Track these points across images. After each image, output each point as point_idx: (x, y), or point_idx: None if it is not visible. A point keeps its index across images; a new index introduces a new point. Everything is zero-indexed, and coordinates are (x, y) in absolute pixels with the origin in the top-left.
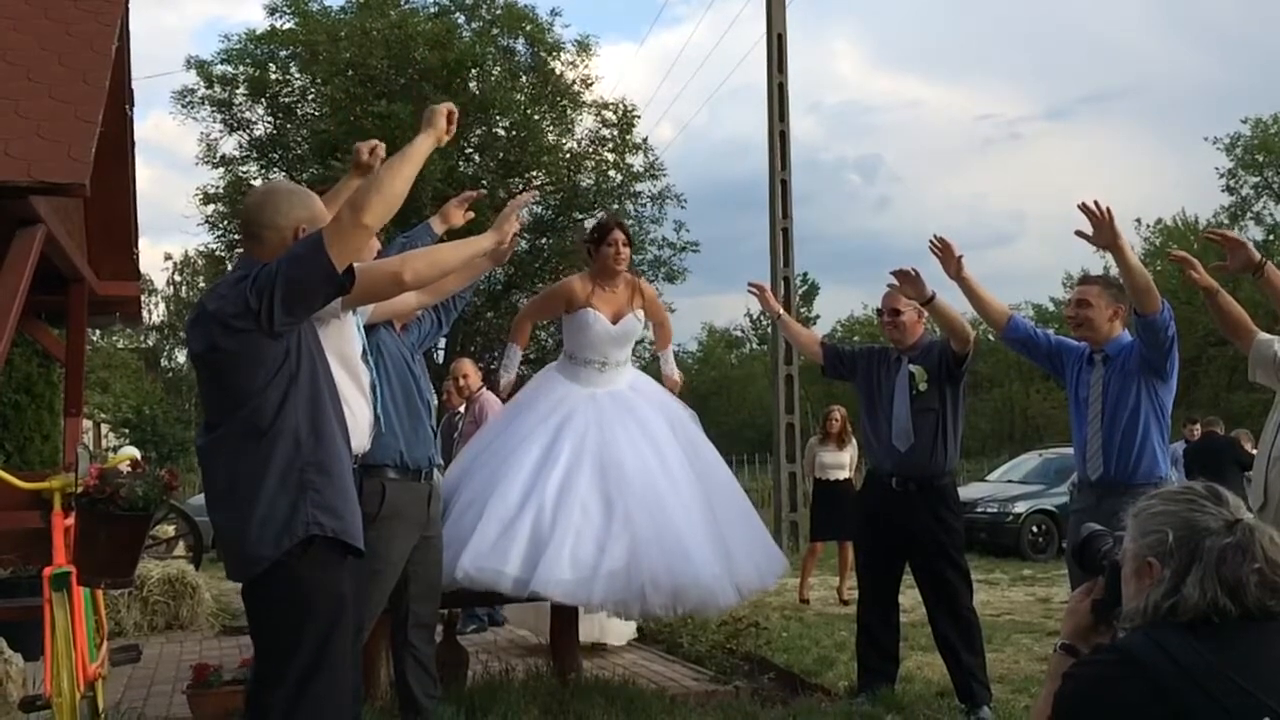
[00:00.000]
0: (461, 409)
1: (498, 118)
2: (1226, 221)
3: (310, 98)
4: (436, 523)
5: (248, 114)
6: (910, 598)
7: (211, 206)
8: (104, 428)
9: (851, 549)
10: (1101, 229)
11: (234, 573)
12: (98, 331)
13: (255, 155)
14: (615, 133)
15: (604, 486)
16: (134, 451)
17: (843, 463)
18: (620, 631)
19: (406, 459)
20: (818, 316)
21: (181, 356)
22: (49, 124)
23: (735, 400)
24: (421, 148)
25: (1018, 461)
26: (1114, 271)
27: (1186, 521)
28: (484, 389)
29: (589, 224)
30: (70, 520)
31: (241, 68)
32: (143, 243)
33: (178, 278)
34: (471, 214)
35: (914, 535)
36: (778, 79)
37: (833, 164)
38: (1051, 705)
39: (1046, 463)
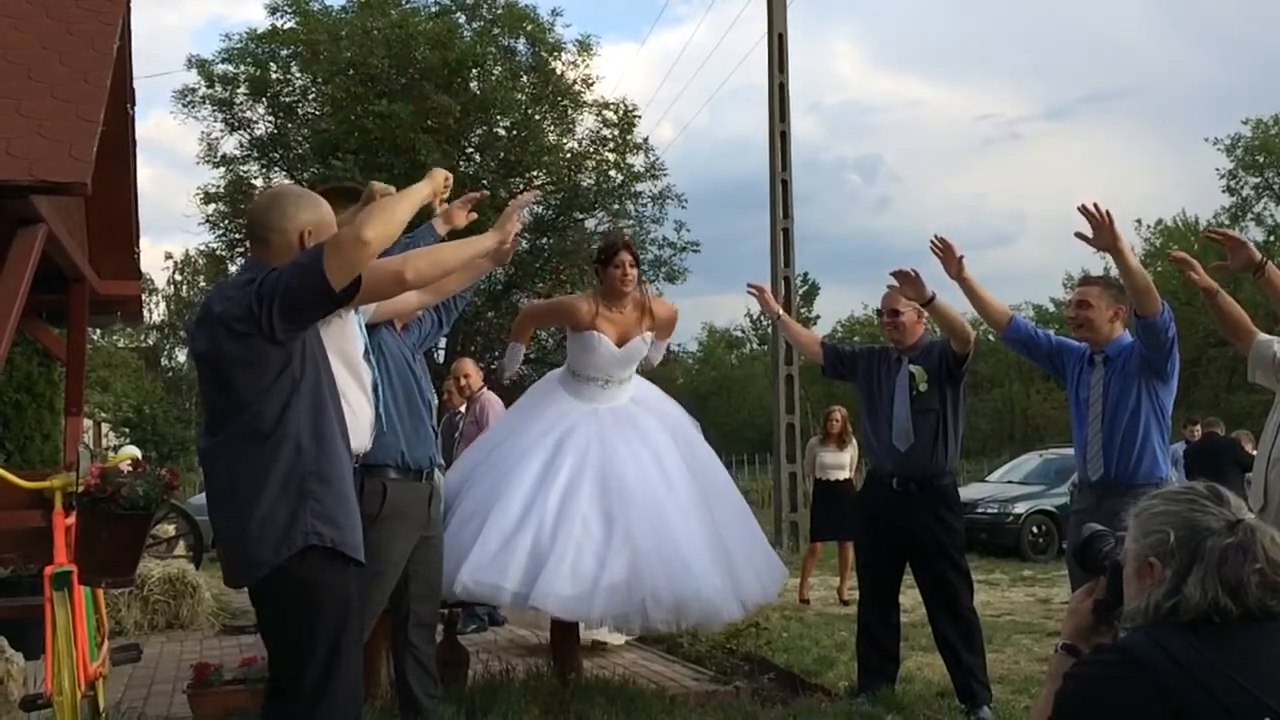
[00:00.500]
0: (462, 409)
1: (498, 117)
2: (1227, 222)
3: (311, 97)
4: (437, 523)
5: (248, 113)
6: (910, 598)
7: (212, 206)
8: (104, 427)
9: (852, 549)
10: (1101, 231)
11: (233, 578)
12: (98, 331)
13: (256, 155)
14: (616, 133)
15: (605, 501)
16: (135, 451)
17: (843, 463)
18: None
19: (408, 459)
20: (818, 317)
21: (182, 356)
22: (50, 123)
23: (735, 400)
24: (420, 194)
25: (1018, 462)
26: (1114, 272)
27: (1188, 522)
28: (485, 389)
29: (590, 224)
30: (71, 519)
31: (242, 67)
32: (143, 242)
33: (178, 277)
34: (474, 215)
35: (914, 535)
36: (778, 79)
37: (833, 164)
38: (1052, 705)
39: (1047, 463)
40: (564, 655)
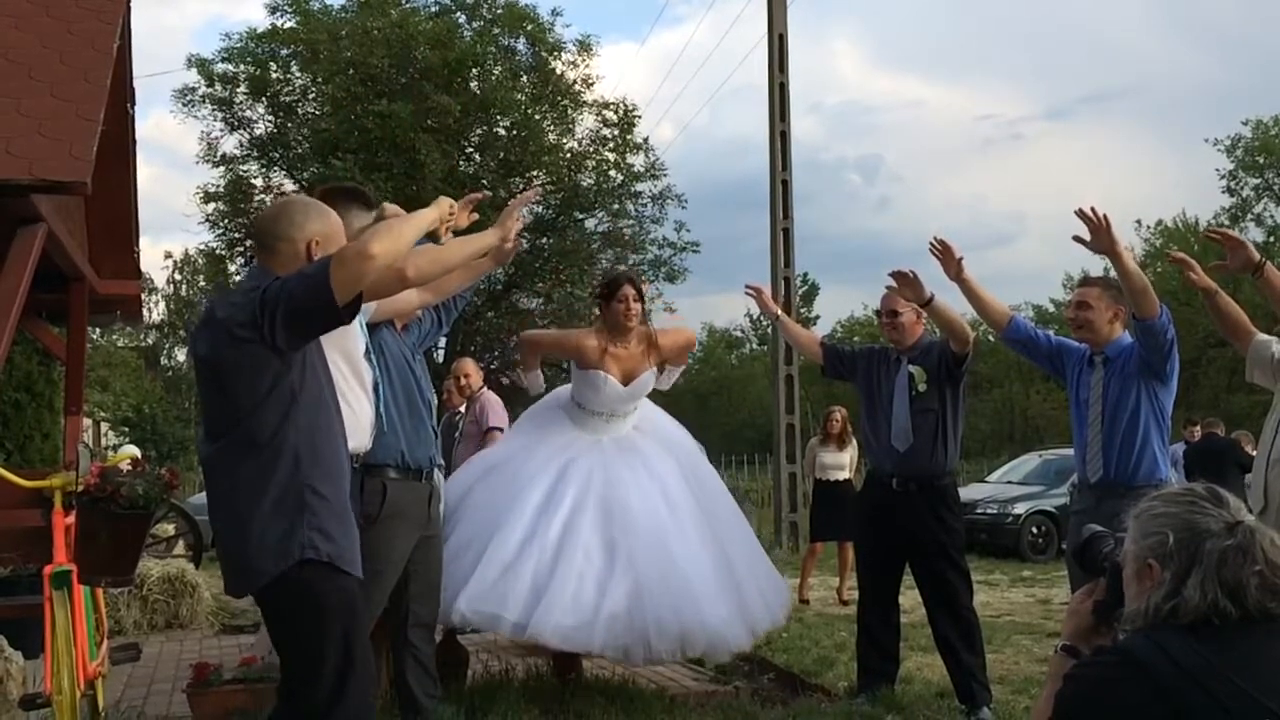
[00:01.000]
0: (462, 409)
1: (498, 117)
2: (1227, 223)
3: (311, 97)
4: (437, 522)
5: (248, 113)
6: (910, 598)
7: (212, 205)
8: (104, 426)
9: (851, 549)
10: (1099, 235)
11: (233, 587)
12: (98, 330)
13: (256, 154)
14: (616, 132)
15: (607, 529)
16: (134, 450)
17: (843, 463)
18: None
19: (408, 459)
20: (818, 317)
21: (181, 355)
22: (50, 122)
23: (735, 400)
24: (427, 218)
25: (1018, 462)
26: (1114, 273)
27: (1187, 523)
28: (484, 389)
29: (590, 224)
30: (71, 519)
31: (242, 66)
32: (143, 241)
33: (178, 276)
34: (476, 215)
35: (914, 536)
36: (779, 79)
37: (833, 164)
38: (1052, 706)
39: (1046, 464)
40: (564, 655)
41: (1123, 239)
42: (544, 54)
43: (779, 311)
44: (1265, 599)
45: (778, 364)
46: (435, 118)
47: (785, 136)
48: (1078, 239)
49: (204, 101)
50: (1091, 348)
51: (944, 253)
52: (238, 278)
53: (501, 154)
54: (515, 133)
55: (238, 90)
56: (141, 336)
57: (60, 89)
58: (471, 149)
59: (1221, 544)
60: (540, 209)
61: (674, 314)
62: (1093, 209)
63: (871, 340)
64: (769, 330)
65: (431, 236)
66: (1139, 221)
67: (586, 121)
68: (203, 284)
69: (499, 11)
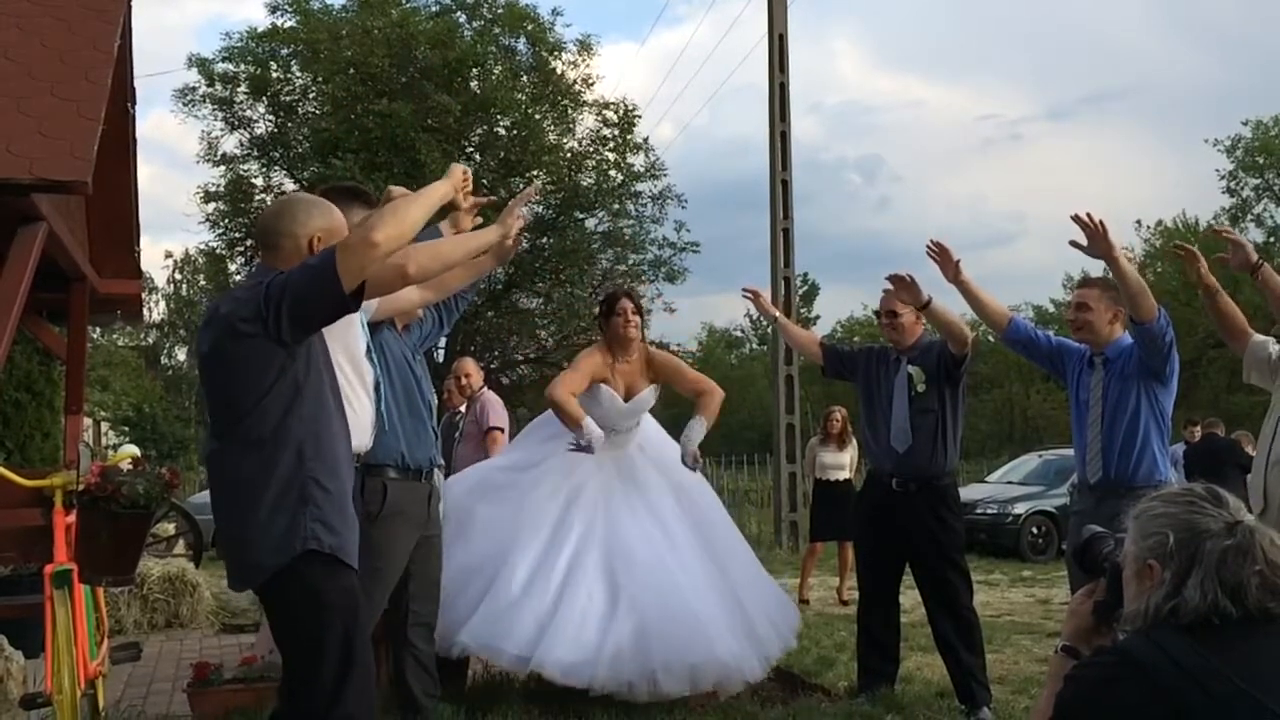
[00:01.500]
0: (462, 408)
1: (498, 117)
2: (1227, 223)
3: (311, 96)
4: (437, 522)
5: (249, 112)
6: (910, 598)
7: (212, 205)
8: (104, 425)
9: (851, 549)
10: (1096, 241)
11: (235, 581)
12: (98, 329)
13: (256, 154)
14: (616, 132)
15: (610, 575)
16: (134, 449)
17: (843, 463)
18: None
19: (408, 459)
20: (818, 317)
21: (181, 355)
22: (51, 122)
23: (735, 400)
24: (438, 193)
25: (1018, 463)
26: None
27: (1187, 524)
28: (485, 388)
29: (590, 224)
30: (71, 518)
31: (243, 66)
32: (144, 241)
33: (178, 276)
34: (480, 219)
35: (914, 536)
36: (779, 79)
37: (833, 164)
38: (1052, 707)
39: (1046, 464)
40: None
41: (1119, 243)
42: (544, 54)
43: (777, 313)
44: (1265, 599)
45: (778, 364)
46: (435, 117)
47: (785, 136)
48: (1074, 244)
49: (204, 101)
50: (1091, 348)
51: (941, 255)
52: (238, 277)
53: (502, 154)
54: (515, 132)
55: (238, 90)
56: (142, 336)
57: (61, 88)
58: (472, 149)
59: (1221, 544)
60: (540, 209)
61: (674, 314)
62: (1088, 214)
63: (872, 340)
64: (769, 330)
65: (451, 206)
66: (1139, 222)
67: (587, 121)
68: (203, 283)
69: (499, 11)
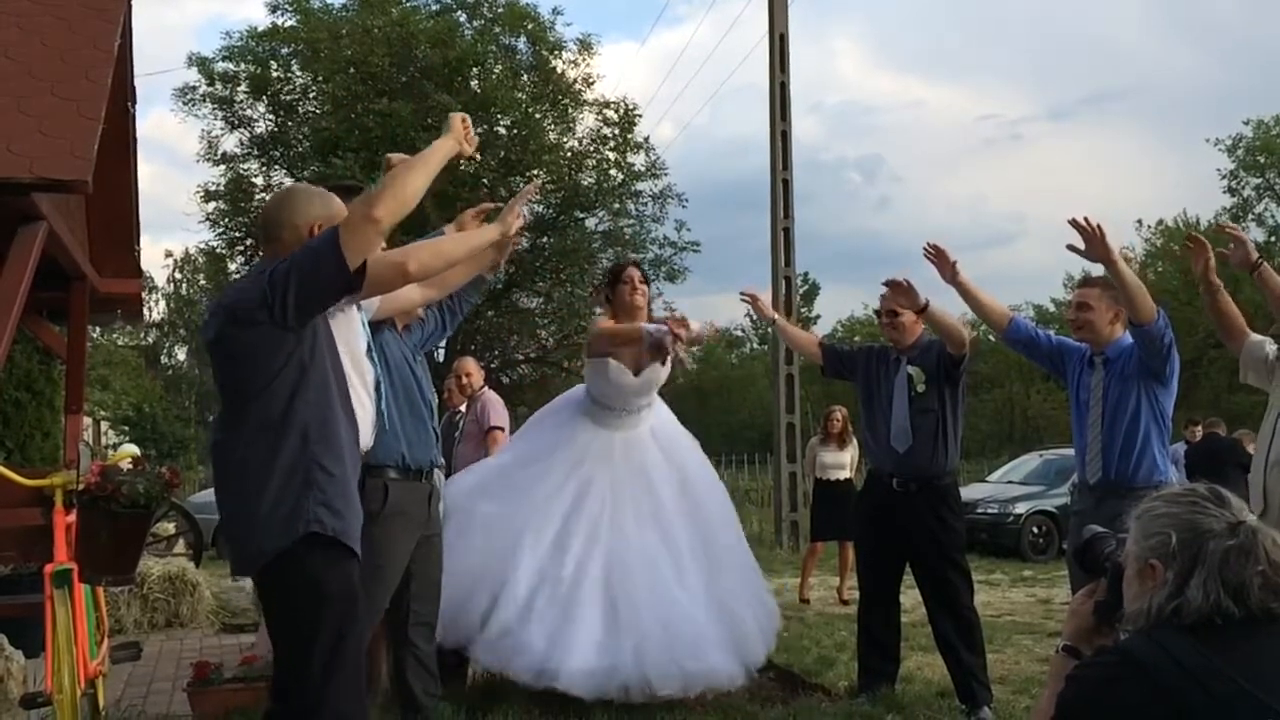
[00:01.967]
0: (463, 408)
1: (499, 116)
2: (1217, 231)
3: (311, 95)
4: (437, 522)
5: (249, 111)
6: (910, 598)
7: (212, 204)
8: (104, 425)
9: (852, 549)
10: (1093, 245)
11: (238, 566)
12: (98, 328)
13: (256, 153)
14: (616, 132)
15: (610, 590)
16: (134, 449)
17: (843, 463)
18: None
19: (408, 459)
20: (818, 316)
21: (181, 354)
22: (52, 121)
23: (735, 400)
24: (440, 151)
25: (1018, 462)
26: None
27: (1189, 524)
28: (485, 388)
29: (590, 223)
30: (71, 517)
31: (243, 65)
32: (144, 240)
33: (178, 275)
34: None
35: (915, 536)
36: (779, 79)
37: (834, 164)
38: (1054, 707)
39: (1047, 463)
40: None
41: (1117, 244)
42: (544, 53)
43: (776, 316)
44: (1268, 599)
45: (778, 363)
46: (435, 117)
47: (786, 136)
48: (1071, 248)
49: (204, 100)
50: (1092, 348)
51: (938, 256)
52: (238, 276)
53: (502, 153)
54: (516, 132)
55: (238, 89)
56: (142, 335)
57: (61, 88)
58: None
59: (1224, 544)
60: (541, 208)
61: (674, 314)
62: (1085, 219)
63: (873, 339)
64: (769, 330)
65: (458, 157)
66: (1140, 221)
67: (587, 121)
68: (203, 282)
69: (499, 10)
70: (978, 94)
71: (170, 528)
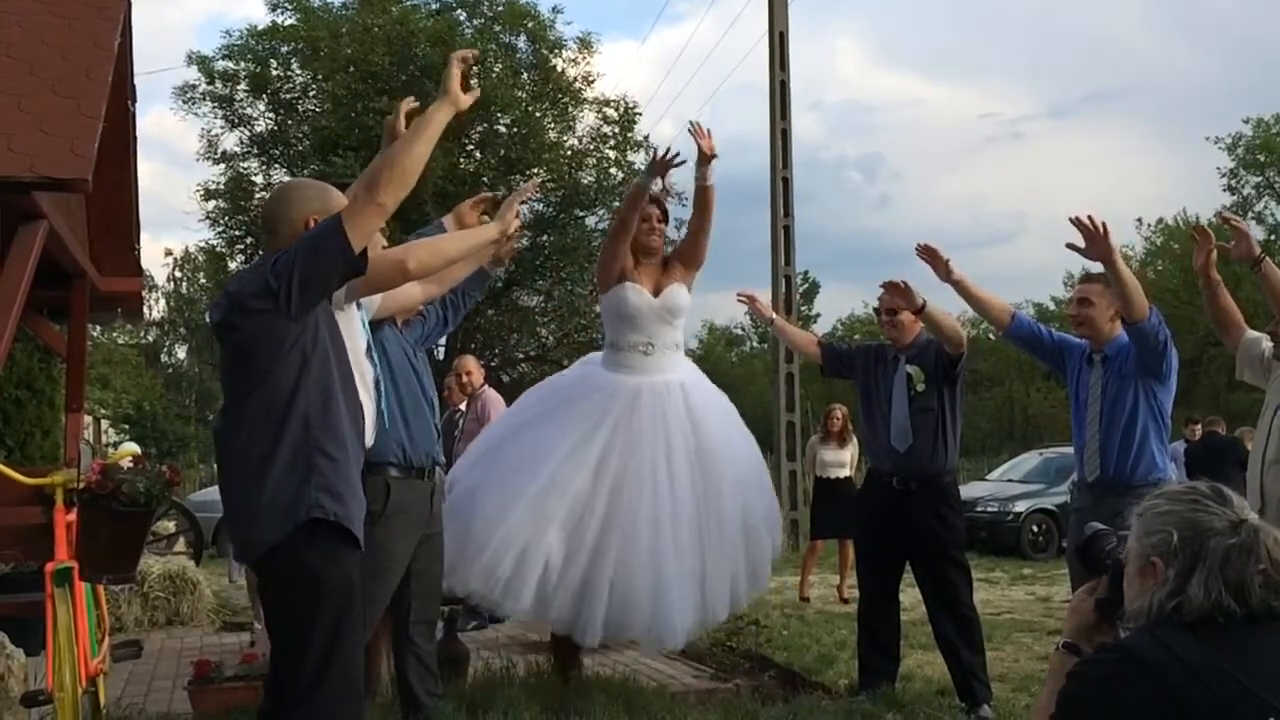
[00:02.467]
0: (463, 406)
1: (499, 115)
2: (1221, 224)
3: (311, 94)
4: (439, 520)
5: (249, 110)
6: (910, 596)
7: (212, 202)
8: (104, 423)
9: (852, 547)
10: (1095, 243)
11: (239, 554)
12: (98, 327)
13: (256, 151)
14: (617, 130)
15: (606, 536)
16: (135, 447)
17: (843, 461)
18: None
19: (410, 457)
20: (818, 315)
21: (182, 352)
22: (52, 119)
23: (735, 399)
24: (437, 119)
25: (1018, 461)
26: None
27: (1191, 522)
28: (486, 386)
29: (590, 221)
30: (72, 516)
31: (243, 64)
32: (144, 238)
33: (178, 274)
34: (486, 216)
35: (915, 534)
36: (779, 77)
37: (834, 162)
38: (1054, 704)
39: (1047, 462)
40: (565, 653)
41: (1117, 242)
42: (545, 51)
43: (774, 316)
44: (1269, 597)
45: (778, 362)
46: None
47: (786, 134)
48: (1071, 246)
49: (204, 99)
50: (1091, 345)
51: (931, 256)
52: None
53: (502, 151)
54: (516, 130)
55: (238, 87)
56: (142, 334)
57: (62, 86)
58: (472, 146)
59: (1226, 542)
60: (541, 206)
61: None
62: (1089, 217)
63: (873, 338)
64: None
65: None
66: (1140, 220)
67: (587, 119)
68: (203, 281)
69: (499, 9)
70: (978, 92)
71: (171, 526)
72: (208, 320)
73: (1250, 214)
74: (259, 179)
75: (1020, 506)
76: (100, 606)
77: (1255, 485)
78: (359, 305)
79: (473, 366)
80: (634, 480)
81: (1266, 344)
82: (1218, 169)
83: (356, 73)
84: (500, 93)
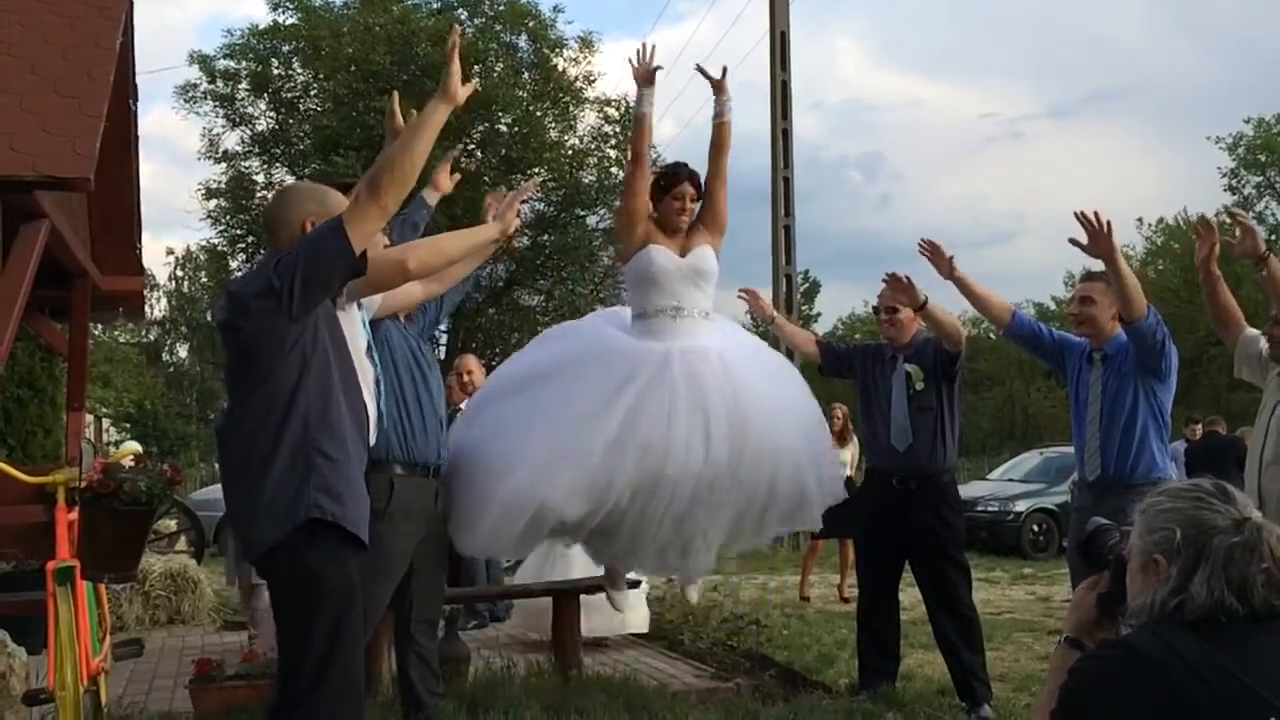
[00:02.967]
0: (464, 405)
1: (500, 114)
2: (1228, 222)
3: (313, 93)
4: (442, 518)
5: (250, 109)
6: (910, 596)
7: (214, 202)
8: (105, 422)
9: (852, 547)
10: (1098, 240)
11: (243, 551)
12: (100, 326)
13: (257, 150)
14: (618, 129)
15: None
16: (136, 446)
17: (844, 460)
18: (621, 624)
19: (414, 455)
20: (819, 314)
21: (183, 351)
22: (54, 119)
23: None
24: (435, 117)
25: (1019, 460)
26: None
27: (1194, 520)
28: None
29: (591, 221)
30: (74, 514)
31: (244, 63)
32: (145, 237)
33: (180, 273)
34: (458, 175)
35: (915, 533)
36: (780, 77)
37: (834, 162)
38: (1056, 699)
39: (1047, 461)
40: (565, 652)
41: (1119, 242)
42: (546, 51)
43: (774, 314)
44: (1272, 596)
45: None
46: None
47: (787, 134)
48: (1074, 242)
49: (206, 98)
50: (1092, 343)
51: (933, 252)
52: (239, 273)
53: (503, 151)
54: (517, 129)
55: (239, 87)
56: (143, 333)
57: (63, 85)
58: (473, 145)
59: (1229, 541)
60: (542, 206)
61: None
62: (1095, 214)
63: (873, 338)
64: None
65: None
66: (1140, 219)
67: (588, 118)
68: (204, 280)
69: (501, 8)
70: (979, 92)
71: (172, 525)
72: (212, 320)
73: (1251, 214)
74: (260, 178)
75: (1021, 506)
76: (102, 605)
77: (1253, 485)
78: (359, 305)
79: (474, 365)
80: (663, 448)
81: (1264, 343)
82: (1218, 169)
83: (358, 72)
84: (501, 92)
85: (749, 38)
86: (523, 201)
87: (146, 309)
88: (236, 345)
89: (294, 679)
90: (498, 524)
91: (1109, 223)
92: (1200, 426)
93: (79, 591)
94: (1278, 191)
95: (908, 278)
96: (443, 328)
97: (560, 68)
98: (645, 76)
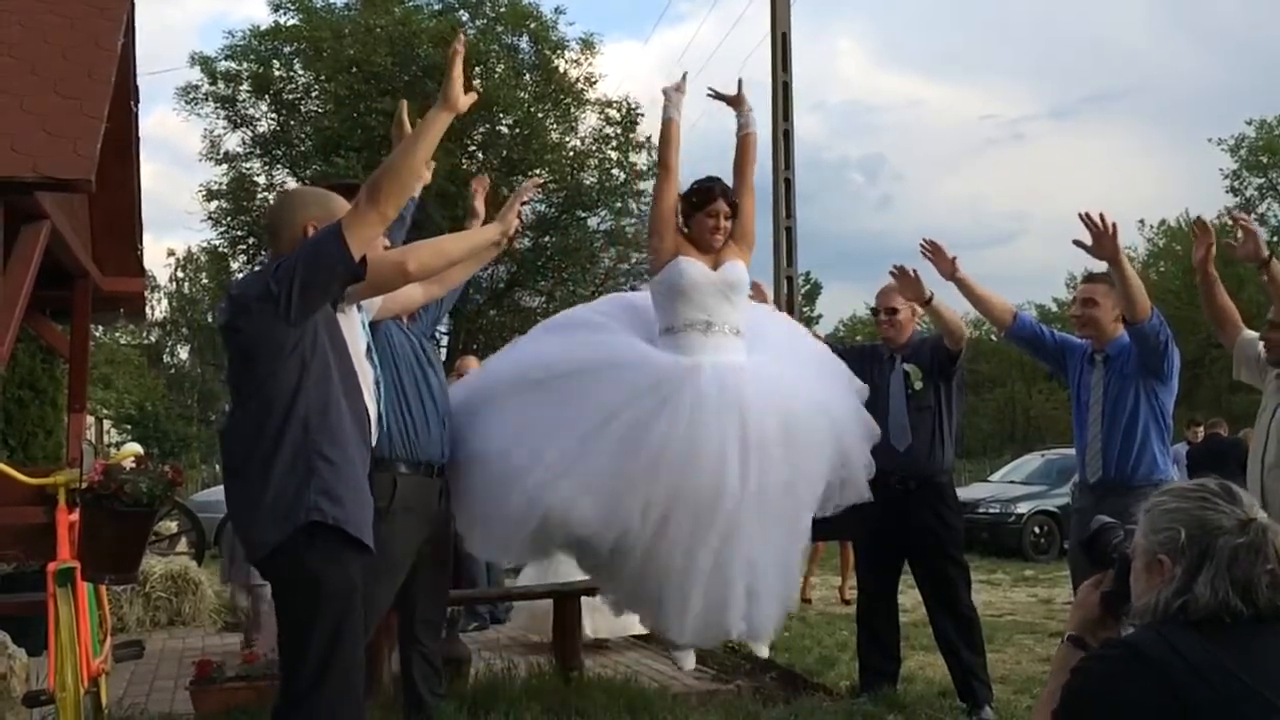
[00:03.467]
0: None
1: (501, 115)
2: (1229, 223)
3: (314, 94)
4: (445, 518)
5: (251, 110)
6: (911, 597)
7: (215, 203)
8: (106, 423)
9: (852, 548)
10: (1102, 242)
11: (246, 553)
12: (100, 327)
13: (259, 152)
14: (619, 131)
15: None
16: (137, 447)
17: None
18: (622, 626)
19: (418, 454)
20: (820, 316)
21: (184, 353)
22: (55, 120)
23: None
24: (436, 125)
25: (1020, 462)
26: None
27: (1199, 520)
28: None
29: (592, 222)
30: (74, 516)
31: (245, 64)
32: (146, 238)
33: (181, 274)
34: (434, 162)
35: (914, 533)
36: (782, 78)
37: (836, 163)
38: (1059, 699)
39: (1049, 463)
40: (566, 653)
41: (1122, 244)
42: (547, 52)
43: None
44: (1276, 597)
45: None
46: None
47: (788, 135)
48: (1078, 243)
49: (207, 99)
50: (1094, 345)
51: (935, 253)
52: (240, 275)
53: (504, 152)
54: (518, 131)
55: (241, 88)
56: (144, 334)
57: (64, 86)
58: (474, 147)
59: (1233, 541)
60: (543, 207)
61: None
62: (1101, 215)
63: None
64: None
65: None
66: (1142, 221)
67: (589, 120)
68: (205, 281)
69: (502, 10)
70: (980, 93)
71: (173, 526)
72: (213, 322)
73: (1253, 216)
74: (261, 179)
75: (1022, 508)
76: (102, 606)
77: (1255, 488)
78: (359, 307)
79: (474, 366)
80: (682, 466)
81: (1261, 348)
82: (1220, 170)
83: (359, 73)
84: (502, 93)
85: (750, 39)
86: (524, 203)
87: (147, 310)
88: (237, 347)
89: (294, 680)
90: (508, 530)
91: (1114, 224)
92: (1202, 429)
93: (80, 593)
94: (1279, 193)
95: (915, 271)
96: (443, 328)
97: (561, 69)
98: (675, 85)
